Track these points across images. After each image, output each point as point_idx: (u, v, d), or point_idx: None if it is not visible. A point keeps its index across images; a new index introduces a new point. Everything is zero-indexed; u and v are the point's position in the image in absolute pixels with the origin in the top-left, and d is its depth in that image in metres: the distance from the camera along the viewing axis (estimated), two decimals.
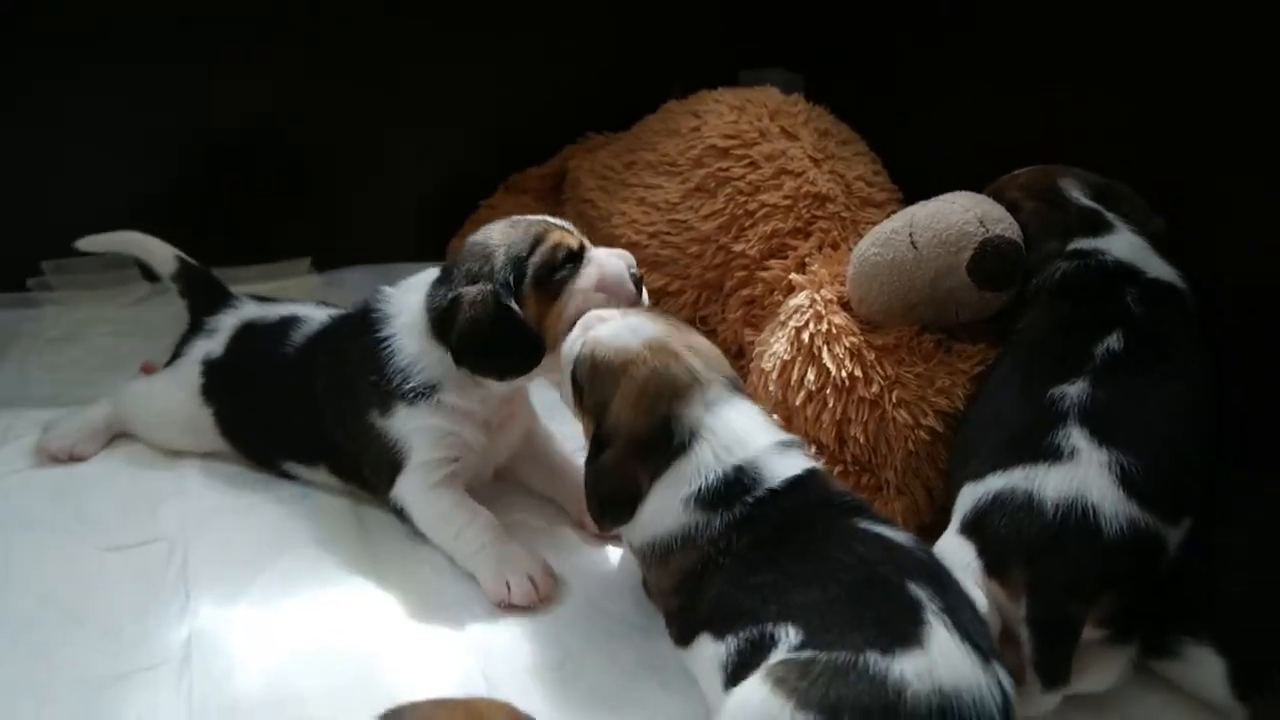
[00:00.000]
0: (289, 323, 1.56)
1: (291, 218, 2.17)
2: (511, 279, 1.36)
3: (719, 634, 1.10)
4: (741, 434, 1.18)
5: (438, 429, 1.39)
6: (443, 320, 1.36)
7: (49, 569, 1.36)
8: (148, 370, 1.77)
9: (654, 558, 1.20)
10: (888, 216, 1.74)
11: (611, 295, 1.36)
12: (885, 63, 2.16)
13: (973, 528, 1.21)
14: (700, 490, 1.15)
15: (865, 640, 0.97)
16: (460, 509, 1.39)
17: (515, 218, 1.45)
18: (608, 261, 1.39)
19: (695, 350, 1.22)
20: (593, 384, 1.23)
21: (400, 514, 1.42)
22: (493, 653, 1.25)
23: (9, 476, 1.53)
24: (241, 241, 2.04)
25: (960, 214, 1.39)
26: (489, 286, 1.35)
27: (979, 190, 1.51)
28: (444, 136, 2.20)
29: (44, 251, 2.03)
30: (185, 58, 1.94)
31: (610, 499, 1.20)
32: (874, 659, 0.95)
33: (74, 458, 1.56)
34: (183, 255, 1.71)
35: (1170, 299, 1.33)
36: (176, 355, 1.63)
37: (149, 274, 2.11)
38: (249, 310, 1.63)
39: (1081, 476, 1.16)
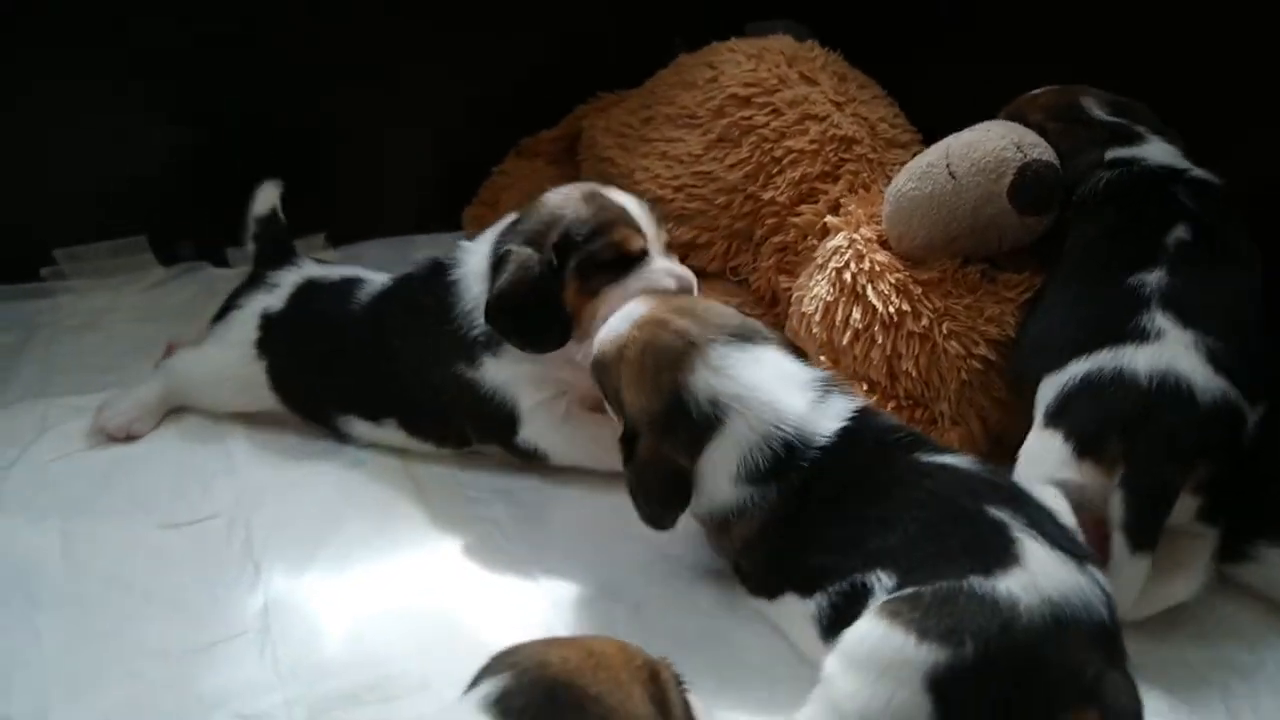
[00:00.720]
0: (353, 282, 1.58)
1: (304, 193, 2.12)
2: (558, 256, 1.35)
3: (806, 592, 1.10)
4: (773, 400, 1.14)
5: (532, 373, 1.40)
6: (494, 270, 1.36)
7: (108, 550, 1.35)
8: (173, 350, 1.75)
9: (713, 526, 1.21)
10: (913, 156, 1.76)
11: None
12: (892, 8, 2.16)
13: (1058, 415, 1.21)
14: (747, 468, 1.13)
15: (962, 569, 0.98)
16: (602, 425, 1.39)
17: (597, 191, 1.43)
18: (658, 279, 1.35)
19: (688, 312, 1.19)
20: (604, 380, 1.23)
21: (527, 455, 1.44)
22: (567, 603, 1.25)
23: (54, 463, 1.51)
24: None
25: (996, 141, 1.39)
26: (538, 255, 1.34)
27: (995, 113, 1.53)
28: (451, 105, 2.17)
29: (56, 239, 2.01)
30: (190, 42, 1.92)
31: (664, 493, 1.18)
32: (978, 583, 0.96)
33: (130, 436, 1.55)
34: (279, 209, 1.72)
35: (1214, 194, 1.35)
36: (229, 308, 1.64)
37: (163, 258, 2.10)
38: (311, 269, 1.65)
39: (1170, 353, 1.17)
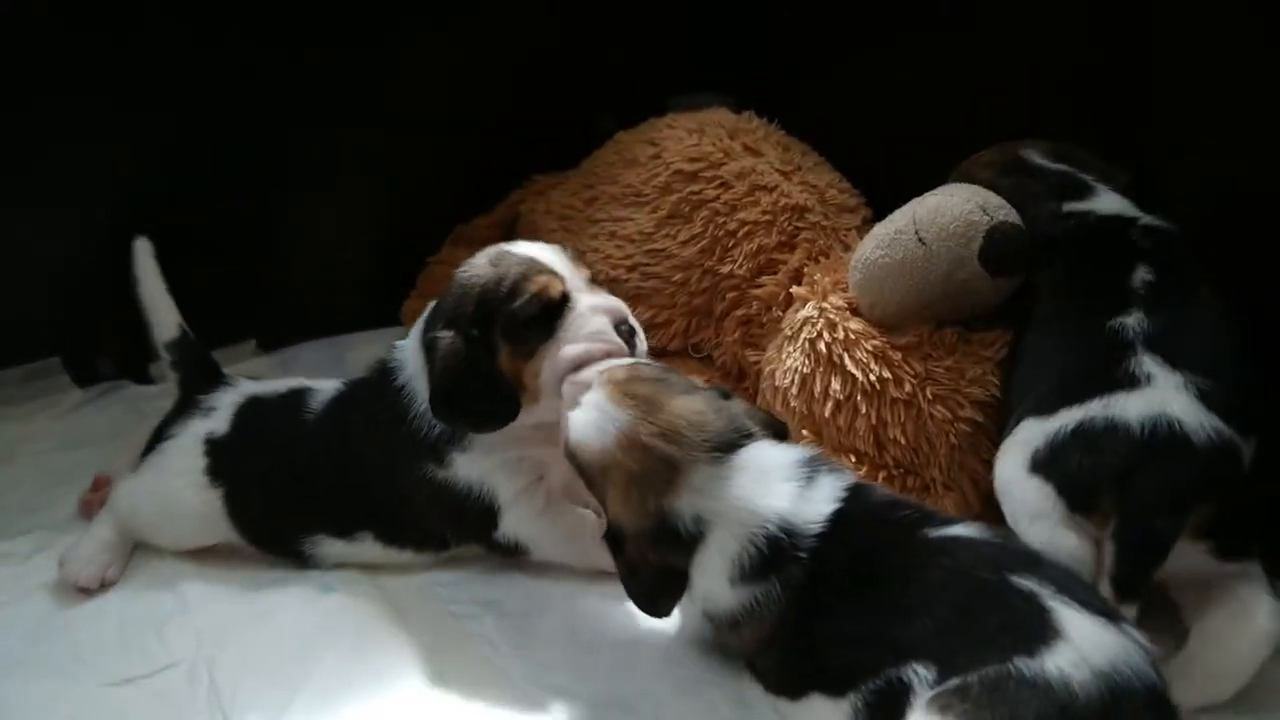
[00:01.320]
0: (300, 393, 1.49)
1: (229, 299, 2.03)
2: (480, 328, 1.29)
3: (835, 693, 1.05)
4: (752, 506, 1.10)
5: (506, 461, 1.34)
6: (427, 363, 1.31)
7: (54, 716, 1.20)
8: (101, 484, 1.62)
9: (723, 626, 1.15)
10: (864, 222, 1.77)
11: (592, 358, 1.27)
12: (811, 79, 2.18)
13: (1047, 465, 1.18)
14: (739, 570, 1.09)
15: (1004, 650, 0.94)
16: (582, 519, 1.35)
17: (502, 250, 1.36)
18: (590, 320, 1.29)
19: (668, 432, 1.12)
20: (585, 480, 1.19)
21: (508, 551, 1.39)
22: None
23: None
24: None
25: (961, 205, 1.39)
26: (460, 334, 1.28)
27: (943, 180, 1.53)
28: (379, 196, 2.11)
29: None
30: (102, 141, 1.80)
31: (658, 588, 1.14)
32: (1025, 664, 0.92)
33: (105, 584, 1.41)
34: (185, 325, 1.58)
35: (1167, 237, 1.37)
36: (161, 439, 1.51)
37: (79, 378, 1.96)
38: (249, 386, 1.54)
39: (1161, 398, 1.16)
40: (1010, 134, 1.58)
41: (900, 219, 1.44)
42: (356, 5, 1.95)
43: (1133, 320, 1.24)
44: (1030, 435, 1.22)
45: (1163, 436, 1.13)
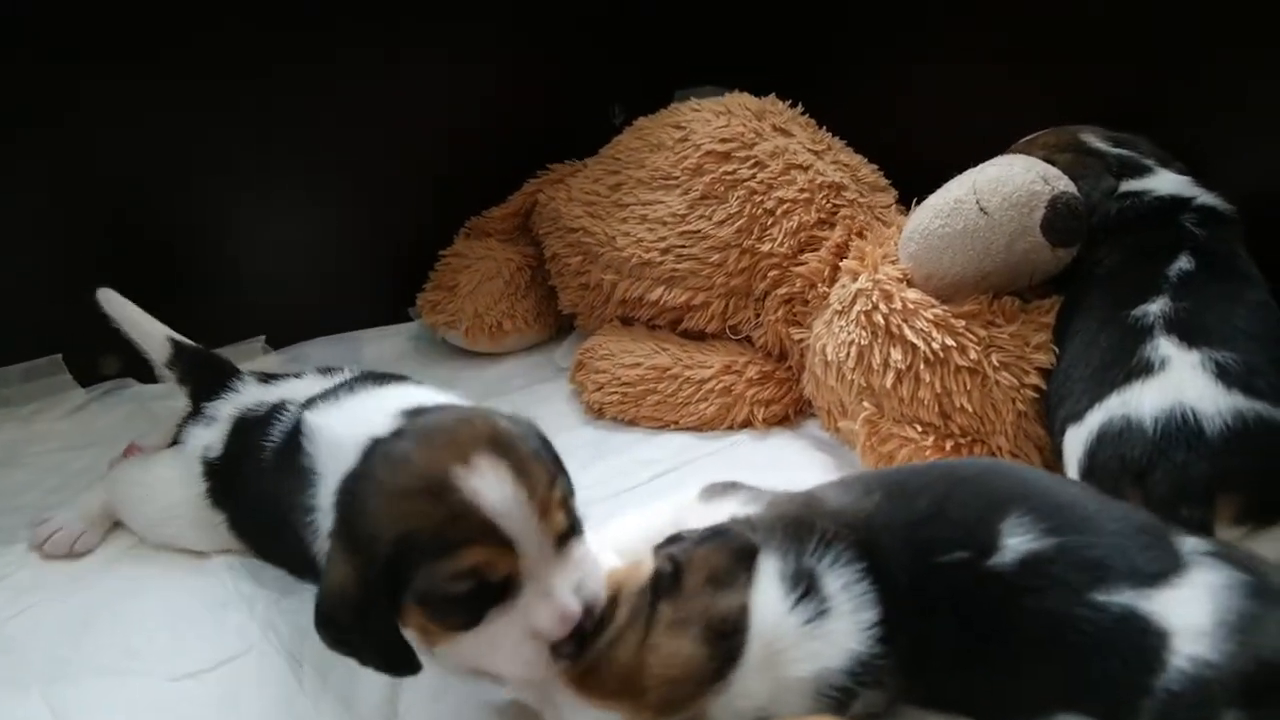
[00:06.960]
0: (277, 412, 1.24)
1: (237, 298, 1.97)
2: (388, 576, 0.92)
3: None
4: (795, 679, 0.94)
5: None
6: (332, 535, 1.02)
7: (118, 716, 1.12)
8: (132, 452, 1.56)
9: None
10: (895, 201, 1.78)
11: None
12: (810, 70, 2.19)
13: (1089, 476, 1.20)
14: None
15: (1136, 687, 0.89)
16: None
17: (452, 476, 0.90)
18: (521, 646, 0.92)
19: (664, 704, 0.92)
20: None
21: None
22: None
23: (10, 622, 1.28)
24: (186, 330, 1.80)
25: (1022, 174, 1.40)
26: (356, 567, 0.93)
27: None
28: (389, 191, 2.06)
29: None
30: (99, 136, 1.75)
31: None
32: (1163, 682, 0.89)
33: (75, 552, 1.36)
34: (176, 336, 1.49)
35: (1223, 221, 1.37)
36: (176, 441, 1.43)
37: (82, 377, 1.86)
38: (248, 395, 1.36)
39: (1175, 382, 1.15)
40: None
41: (958, 189, 1.45)
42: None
43: (1155, 306, 1.25)
44: (1073, 448, 1.23)
45: (1174, 431, 1.13)
